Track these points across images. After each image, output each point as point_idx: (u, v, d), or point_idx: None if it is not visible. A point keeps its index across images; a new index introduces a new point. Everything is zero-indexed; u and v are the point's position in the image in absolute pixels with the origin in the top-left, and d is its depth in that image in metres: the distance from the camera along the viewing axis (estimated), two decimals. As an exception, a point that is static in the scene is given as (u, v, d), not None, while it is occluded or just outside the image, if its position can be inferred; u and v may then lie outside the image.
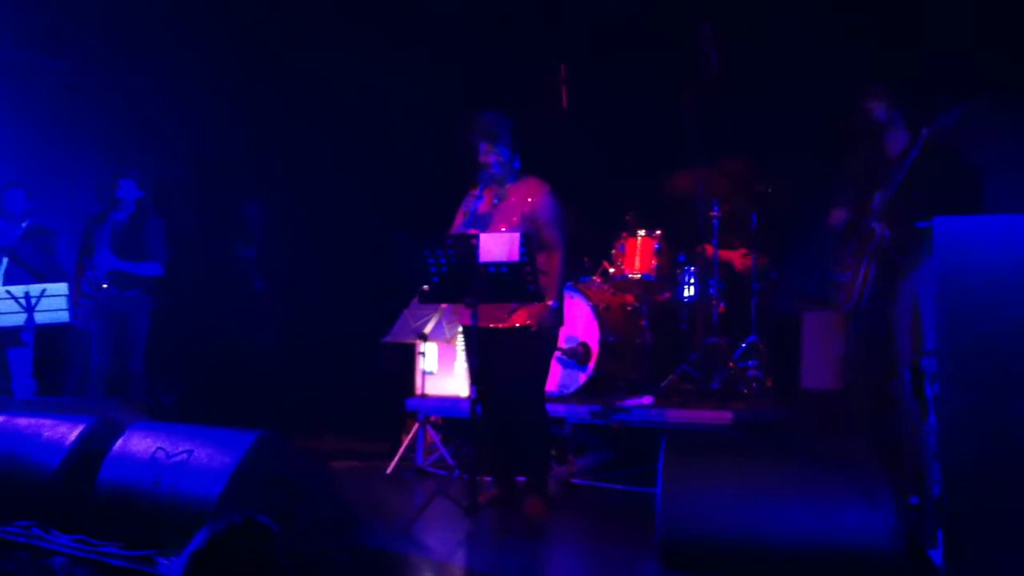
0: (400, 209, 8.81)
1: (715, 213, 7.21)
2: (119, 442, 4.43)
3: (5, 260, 7.67)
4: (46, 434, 4.72)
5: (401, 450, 7.01)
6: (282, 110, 9.36)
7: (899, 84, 5.25)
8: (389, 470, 6.87)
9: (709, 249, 7.40)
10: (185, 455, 4.16)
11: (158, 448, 4.26)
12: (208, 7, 8.98)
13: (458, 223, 5.41)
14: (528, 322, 5.18)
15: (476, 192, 5.35)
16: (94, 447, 4.55)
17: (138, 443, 4.36)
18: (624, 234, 7.37)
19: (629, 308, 7.34)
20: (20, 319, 6.88)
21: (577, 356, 6.89)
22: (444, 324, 7.02)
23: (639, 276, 7.22)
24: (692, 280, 7.45)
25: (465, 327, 5.44)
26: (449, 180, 5.71)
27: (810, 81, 7.01)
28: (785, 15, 7.40)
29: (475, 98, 7.80)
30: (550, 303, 5.12)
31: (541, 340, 5.20)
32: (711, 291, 7.22)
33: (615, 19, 8.20)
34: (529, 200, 5.29)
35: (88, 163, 9.22)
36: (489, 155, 5.31)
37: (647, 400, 6.64)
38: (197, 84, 9.14)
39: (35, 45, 8.78)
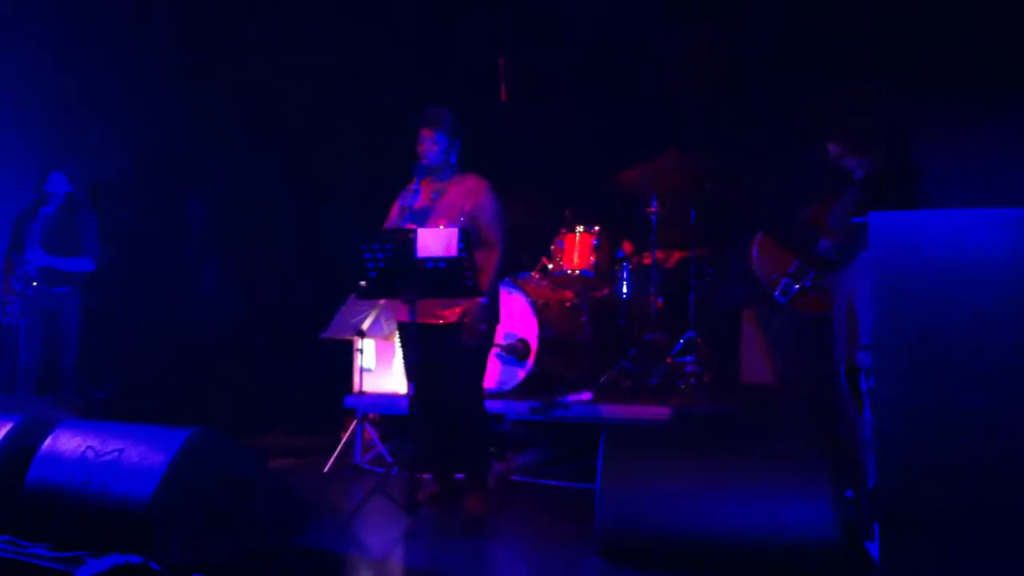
0: (347, 204, 8.74)
1: (653, 209, 7.21)
2: (47, 441, 4.32)
3: None
4: (-28, 433, 4.60)
5: (339, 448, 6.92)
6: (230, 103, 9.20)
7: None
8: (326, 468, 6.79)
9: (628, 246, 7.45)
10: (115, 454, 4.07)
11: (87, 447, 4.17)
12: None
13: (393, 216, 5.36)
14: (462, 319, 5.16)
15: (413, 186, 5.29)
16: (22, 446, 4.44)
17: (67, 442, 4.26)
18: (563, 229, 7.35)
19: (568, 304, 7.34)
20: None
21: (516, 352, 6.87)
22: (382, 320, 6.96)
23: (578, 272, 7.20)
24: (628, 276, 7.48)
25: (401, 323, 5.39)
26: (398, 175, 5.65)
27: (761, 79, 7.05)
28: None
29: (413, 87, 7.74)
30: (479, 300, 5.11)
31: (474, 336, 5.18)
32: (650, 287, 7.24)
33: (558, 13, 8.20)
34: (470, 197, 5.27)
35: (22, 161, 8.99)
36: (425, 142, 5.28)
37: (586, 396, 6.65)
38: (138, 78, 8.96)
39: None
